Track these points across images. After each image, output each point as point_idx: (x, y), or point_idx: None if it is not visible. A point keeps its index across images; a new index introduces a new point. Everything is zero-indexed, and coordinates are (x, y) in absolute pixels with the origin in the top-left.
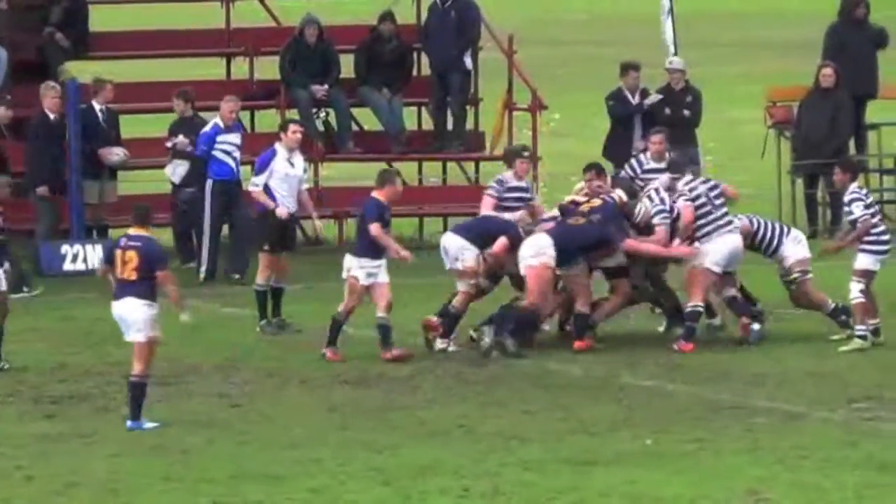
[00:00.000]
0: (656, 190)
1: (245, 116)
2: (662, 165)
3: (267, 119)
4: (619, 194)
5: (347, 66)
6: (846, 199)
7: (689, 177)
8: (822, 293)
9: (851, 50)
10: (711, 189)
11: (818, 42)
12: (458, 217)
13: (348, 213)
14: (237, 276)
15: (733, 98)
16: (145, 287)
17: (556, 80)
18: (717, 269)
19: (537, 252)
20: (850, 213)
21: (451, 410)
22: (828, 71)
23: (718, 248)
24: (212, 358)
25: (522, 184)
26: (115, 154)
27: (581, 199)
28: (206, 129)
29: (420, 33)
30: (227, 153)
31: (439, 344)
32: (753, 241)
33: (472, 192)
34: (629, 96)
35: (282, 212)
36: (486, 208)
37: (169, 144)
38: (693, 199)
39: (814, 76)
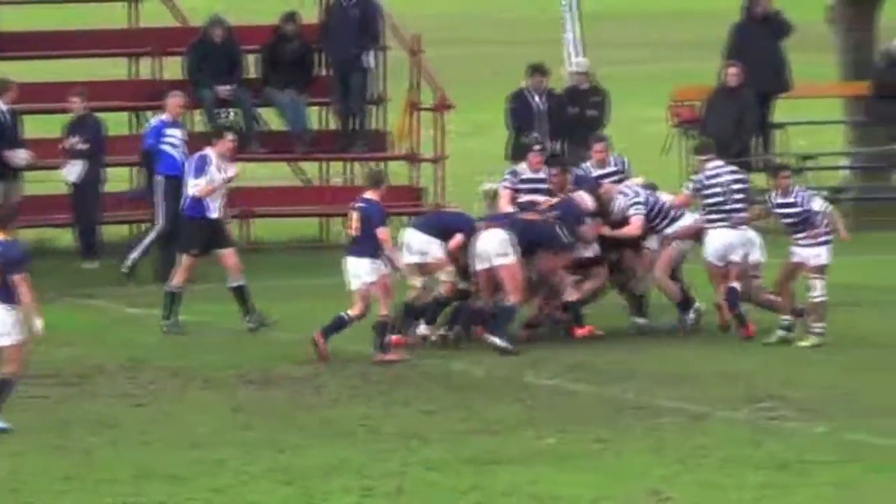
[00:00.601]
0: (628, 186)
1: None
2: (605, 171)
3: None
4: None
5: (253, 66)
6: (806, 194)
7: (718, 162)
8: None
9: (756, 47)
10: (736, 182)
11: (724, 41)
12: None
13: (253, 212)
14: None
15: (638, 97)
16: (6, 291)
17: (463, 80)
18: (715, 261)
19: (504, 250)
20: (813, 205)
21: (355, 410)
22: (733, 70)
23: (710, 241)
24: (116, 357)
25: (540, 175)
26: (21, 157)
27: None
28: (153, 122)
29: (321, 33)
30: (175, 146)
31: (422, 329)
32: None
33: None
34: (530, 98)
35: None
36: (505, 200)
37: (65, 146)
38: (709, 186)
39: (717, 75)
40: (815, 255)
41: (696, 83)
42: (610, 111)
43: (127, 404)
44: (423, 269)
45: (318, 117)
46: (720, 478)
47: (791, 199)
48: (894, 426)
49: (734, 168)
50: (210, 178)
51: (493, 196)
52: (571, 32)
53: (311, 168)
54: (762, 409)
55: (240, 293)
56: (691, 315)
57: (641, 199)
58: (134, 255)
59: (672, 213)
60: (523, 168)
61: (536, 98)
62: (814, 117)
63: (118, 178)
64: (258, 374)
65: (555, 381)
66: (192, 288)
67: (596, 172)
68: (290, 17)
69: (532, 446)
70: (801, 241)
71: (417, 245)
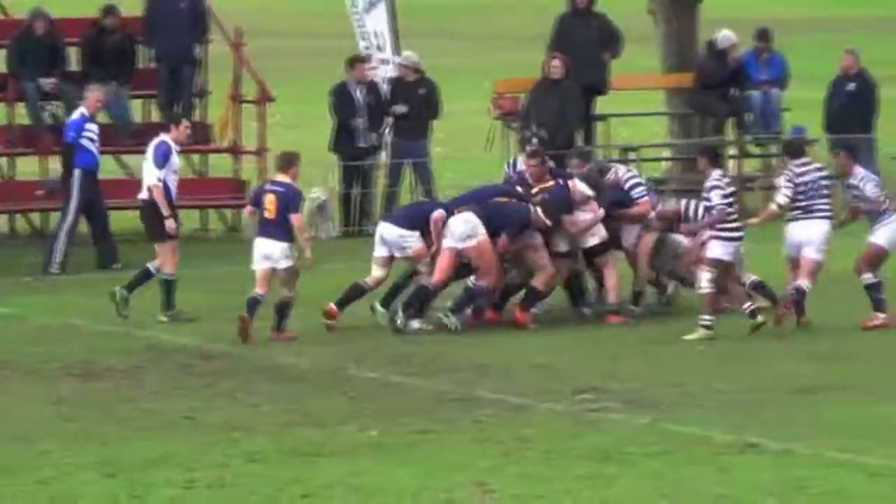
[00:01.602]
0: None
1: None
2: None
3: None
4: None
5: (75, 59)
6: (707, 185)
7: (806, 158)
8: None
9: (577, 41)
10: (824, 178)
11: (547, 34)
12: (182, 210)
13: None
14: (118, 266)
15: (461, 89)
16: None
17: (286, 72)
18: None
19: (472, 232)
20: (709, 199)
21: (178, 403)
22: (556, 62)
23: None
24: None
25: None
26: None
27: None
28: (74, 117)
29: (144, 25)
30: (92, 141)
31: (415, 324)
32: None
33: (199, 185)
34: (352, 91)
35: (171, 225)
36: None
37: None
38: (796, 184)
39: (541, 67)
40: (708, 247)
41: (520, 75)
42: (439, 103)
43: None
44: (412, 261)
45: (142, 110)
46: (543, 469)
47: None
48: (715, 417)
49: (820, 165)
50: (174, 167)
51: None
52: (377, 24)
53: (135, 160)
54: (584, 400)
55: (170, 287)
56: (638, 309)
57: (642, 180)
58: (57, 255)
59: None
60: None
61: (358, 90)
62: (636, 109)
63: None
64: (81, 366)
65: (377, 374)
66: (17, 280)
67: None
68: (110, 9)
69: (355, 438)
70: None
71: (392, 240)
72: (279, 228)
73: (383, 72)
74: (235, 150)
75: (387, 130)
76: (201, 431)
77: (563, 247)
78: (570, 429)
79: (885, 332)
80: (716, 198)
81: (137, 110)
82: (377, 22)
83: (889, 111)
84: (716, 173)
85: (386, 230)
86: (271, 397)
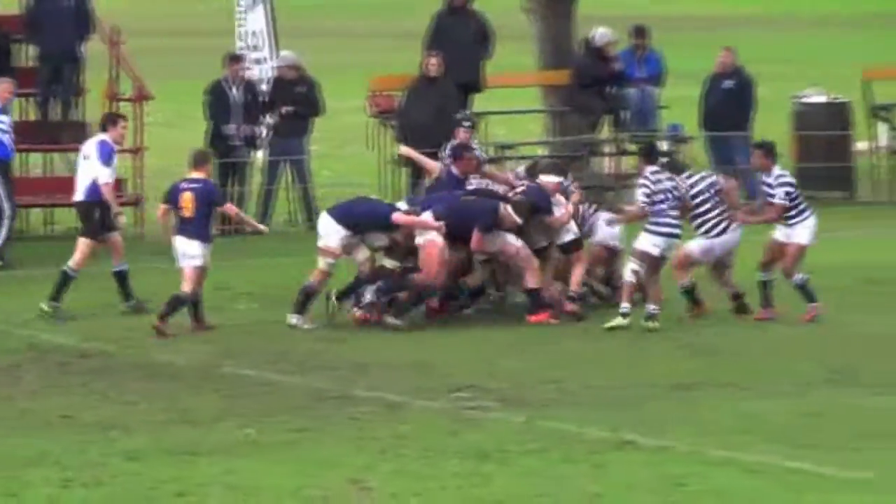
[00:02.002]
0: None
1: None
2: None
3: None
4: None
5: None
6: (639, 181)
7: (656, 167)
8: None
9: (454, 39)
10: (711, 186)
11: (423, 31)
12: (61, 207)
13: None
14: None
15: (337, 87)
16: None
17: (163, 71)
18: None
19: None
20: (772, 195)
21: (54, 401)
22: (433, 60)
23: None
24: None
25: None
26: None
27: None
28: None
29: (26, 23)
30: (5, 132)
31: (293, 320)
32: None
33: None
34: (228, 89)
35: (122, 220)
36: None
37: None
38: (695, 196)
39: (419, 65)
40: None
41: (398, 73)
42: (320, 101)
43: None
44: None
45: (19, 108)
46: (420, 467)
47: None
48: (591, 414)
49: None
50: (115, 166)
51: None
52: (257, 23)
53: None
54: (461, 398)
55: (122, 278)
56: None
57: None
58: None
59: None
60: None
61: (234, 88)
62: (513, 106)
63: None
64: None
65: (254, 372)
66: None
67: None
68: None
69: (232, 437)
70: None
71: (321, 229)
72: (195, 226)
73: (259, 71)
74: None
75: (265, 129)
76: (78, 430)
77: (542, 242)
78: (447, 427)
79: (763, 329)
80: (639, 195)
81: (16, 109)
82: (256, 21)
83: (765, 109)
84: (648, 170)
85: (323, 222)
86: (147, 396)
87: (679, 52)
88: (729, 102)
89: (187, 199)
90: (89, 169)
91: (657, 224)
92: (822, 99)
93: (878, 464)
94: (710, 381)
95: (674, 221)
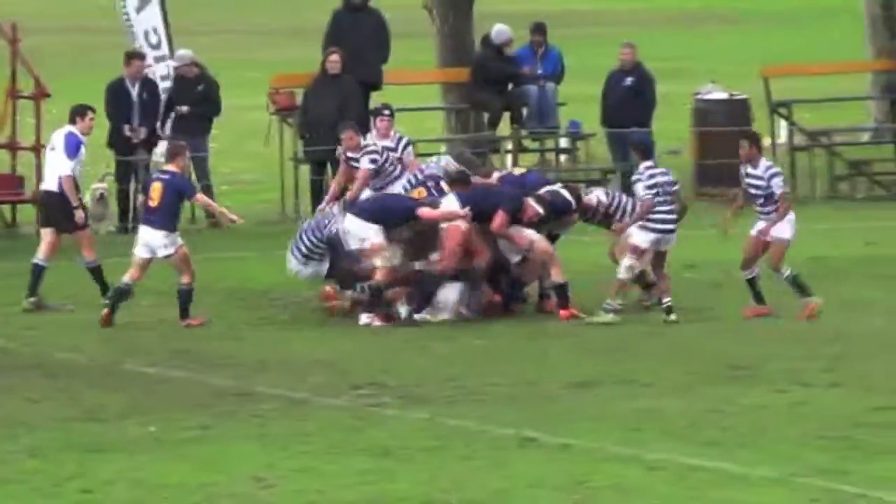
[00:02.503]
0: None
1: None
2: (386, 144)
3: None
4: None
5: None
6: (633, 178)
7: (650, 162)
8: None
9: (353, 36)
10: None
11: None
12: None
13: None
14: None
15: (236, 84)
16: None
17: (63, 68)
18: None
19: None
20: (636, 191)
21: None
22: (333, 57)
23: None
24: None
25: (388, 143)
26: None
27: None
28: None
29: None
30: None
31: (364, 319)
32: (607, 212)
33: None
34: (130, 86)
35: (80, 216)
36: (363, 181)
37: None
38: (650, 187)
39: (320, 62)
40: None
41: (298, 71)
42: (219, 100)
43: None
44: (370, 253)
45: None
46: (323, 464)
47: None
48: (493, 412)
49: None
50: (82, 158)
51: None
52: (151, 21)
53: None
54: (363, 395)
55: (98, 272)
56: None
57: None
58: None
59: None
60: (371, 139)
61: (135, 87)
62: (414, 104)
63: None
64: None
65: (156, 369)
66: None
67: (382, 143)
68: None
69: (135, 434)
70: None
71: (355, 231)
72: (160, 216)
73: (160, 69)
74: (12, 146)
75: (166, 127)
76: None
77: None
78: (350, 424)
79: (662, 326)
80: (639, 189)
81: None
82: (151, 19)
83: (666, 106)
84: (643, 165)
85: (350, 222)
86: (50, 392)
87: (579, 50)
88: (629, 99)
89: (155, 189)
90: (55, 160)
91: (651, 220)
92: (722, 96)
93: (778, 460)
94: (610, 379)
95: (668, 217)
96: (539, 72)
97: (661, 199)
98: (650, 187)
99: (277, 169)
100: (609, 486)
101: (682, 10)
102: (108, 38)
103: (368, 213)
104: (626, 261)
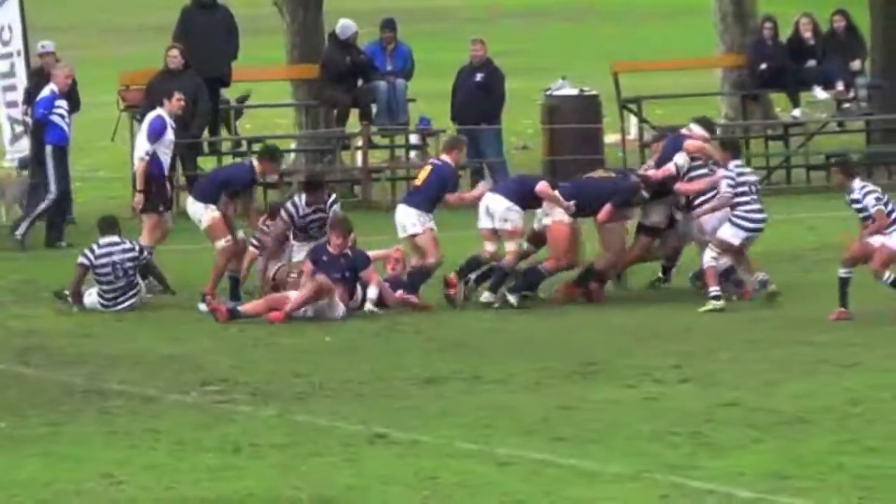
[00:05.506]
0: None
1: None
2: None
3: None
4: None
5: None
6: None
7: (739, 161)
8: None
9: (201, 33)
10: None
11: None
12: None
13: None
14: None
15: (86, 82)
16: None
17: None
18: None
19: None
20: (865, 208)
21: None
22: (173, 52)
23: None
24: None
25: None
26: None
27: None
28: (44, 94)
29: None
30: (63, 117)
31: (486, 297)
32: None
33: None
34: None
35: (138, 200)
36: None
37: None
38: (739, 185)
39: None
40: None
41: (147, 68)
42: (78, 95)
43: None
44: (509, 235)
45: None
46: (173, 461)
47: None
48: (342, 408)
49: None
50: (170, 140)
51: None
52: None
53: None
54: (212, 392)
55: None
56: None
57: None
58: (26, 223)
59: None
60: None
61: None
62: (261, 101)
63: None
64: None
65: (4, 366)
66: None
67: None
68: None
69: None
70: None
71: (500, 212)
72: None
73: (7, 66)
74: None
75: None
76: None
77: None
78: (200, 420)
79: (512, 322)
80: (726, 186)
81: None
82: (7, 14)
83: (516, 102)
84: (733, 163)
85: (494, 201)
86: None
87: (429, 45)
88: (479, 95)
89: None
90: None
91: (745, 218)
92: (572, 92)
93: (629, 456)
94: (460, 375)
95: (759, 217)
96: (389, 68)
97: (750, 197)
98: (735, 185)
99: (128, 164)
100: (459, 483)
101: (530, 7)
102: None
103: (509, 191)
104: (711, 251)
